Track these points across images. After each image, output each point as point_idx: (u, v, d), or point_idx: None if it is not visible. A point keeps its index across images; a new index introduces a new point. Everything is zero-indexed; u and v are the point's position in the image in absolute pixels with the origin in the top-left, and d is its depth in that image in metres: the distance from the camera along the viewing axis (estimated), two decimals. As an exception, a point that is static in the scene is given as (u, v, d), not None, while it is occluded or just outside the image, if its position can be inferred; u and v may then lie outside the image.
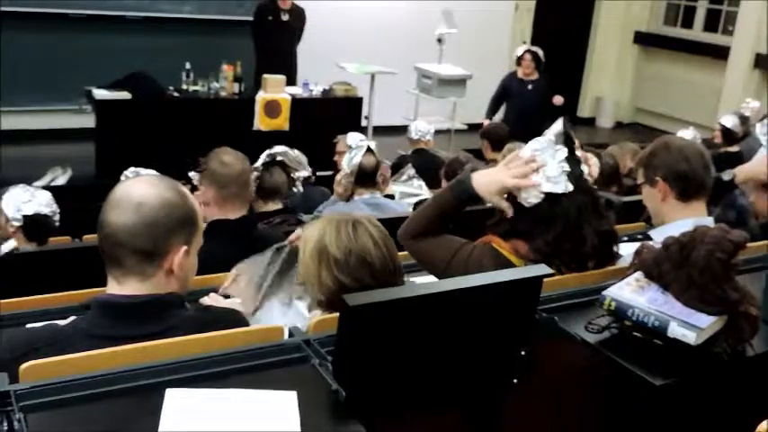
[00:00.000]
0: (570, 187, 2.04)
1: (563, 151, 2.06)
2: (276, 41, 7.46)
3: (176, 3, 7.93)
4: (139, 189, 1.64)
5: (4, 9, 7.11)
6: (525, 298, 1.64)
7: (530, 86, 7.59)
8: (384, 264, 1.82)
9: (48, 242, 3.53)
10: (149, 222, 1.60)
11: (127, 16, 7.68)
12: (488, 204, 2.17)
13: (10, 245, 3.61)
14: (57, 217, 3.58)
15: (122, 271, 1.63)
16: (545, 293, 1.74)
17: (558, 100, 7.55)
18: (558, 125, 2.10)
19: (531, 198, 2.05)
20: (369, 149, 4.00)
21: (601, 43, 11.05)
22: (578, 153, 2.12)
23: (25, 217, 3.46)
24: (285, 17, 7.49)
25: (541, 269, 1.65)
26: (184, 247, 1.66)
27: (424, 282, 2.01)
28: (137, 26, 7.74)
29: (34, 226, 3.49)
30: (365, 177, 3.95)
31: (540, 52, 7.67)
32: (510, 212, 2.08)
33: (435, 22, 8.05)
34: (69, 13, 7.39)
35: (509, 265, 2.02)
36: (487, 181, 2.09)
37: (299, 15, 7.71)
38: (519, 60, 7.69)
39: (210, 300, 2.07)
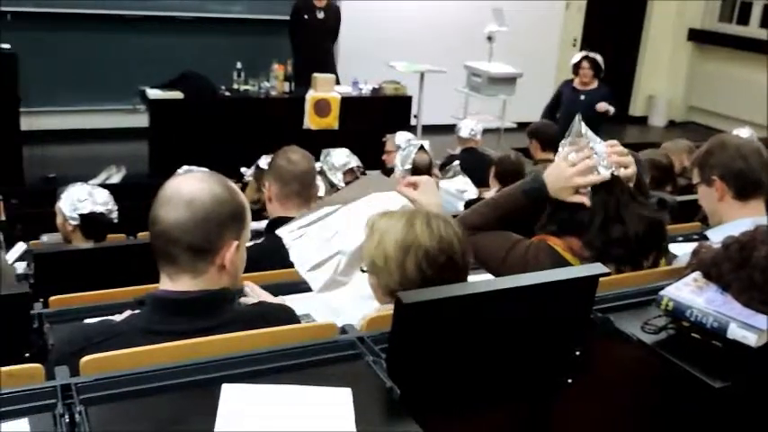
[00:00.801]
0: (608, 174, 2.05)
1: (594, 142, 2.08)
2: (313, 40, 7.49)
3: (226, 3, 8.02)
4: (190, 185, 1.65)
5: (61, 11, 7.28)
6: (581, 297, 1.63)
7: (582, 97, 6.92)
8: (464, 261, 1.82)
9: (105, 239, 3.60)
10: (201, 218, 1.61)
11: (179, 17, 7.80)
12: None
13: (54, 237, 3.70)
14: (114, 215, 3.64)
15: (175, 267, 1.64)
16: (601, 293, 1.72)
17: (601, 107, 6.80)
18: (576, 124, 2.11)
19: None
20: (422, 148, 4.03)
21: (653, 41, 10.87)
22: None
23: (81, 216, 3.53)
24: (321, 15, 7.52)
25: (597, 268, 1.63)
26: (235, 243, 1.67)
27: (480, 280, 1.99)
28: (189, 26, 7.86)
29: (91, 224, 3.56)
30: (419, 175, 3.98)
31: (599, 59, 7.02)
32: (588, 203, 2.07)
33: (485, 20, 7.99)
34: (124, 15, 7.53)
35: (565, 262, 2.01)
36: (560, 183, 2.09)
37: (334, 13, 7.73)
38: (576, 68, 7.05)
39: (249, 288, 2.08)
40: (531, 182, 2.16)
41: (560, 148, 2.15)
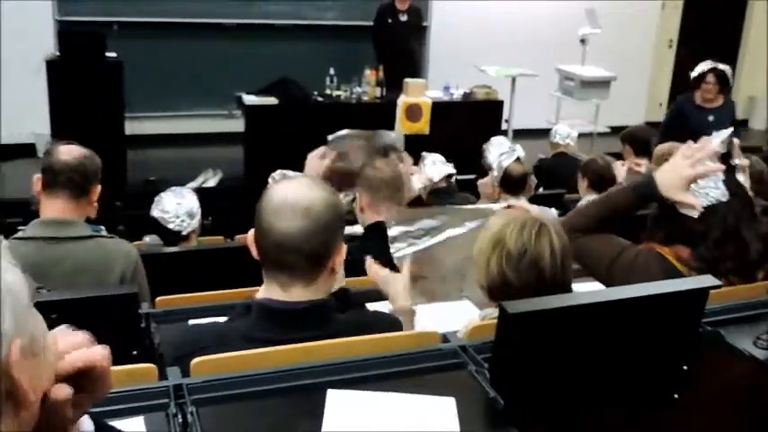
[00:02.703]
0: (726, 195, 1.99)
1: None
2: (398, 43, 7.53)
3: (321, 10, 8.13)
4: (302, 193, 1.65)
5: (163, 20, 7.55)
6: (690, 310, 1.58)
7: (711, 117, 5.94)
8: (554, 274, 1.80)
9: (175, 244, 3.61)
10: (321, 225, 1.62)
11: (275, 24, 7.96)
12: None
13: (155, 239, 3.80)
14: (185, 224, 3.59)
15: (290, 276, 1.65)
16: (711, 305, 1.67)
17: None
18: (723, 133, 2.04)
19: (690, 211, 2.01)
20: (518, 159, 4.05)
21: (755, 40, 10.46)
22: (737, 161, 2.05)
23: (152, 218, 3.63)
24: (404, 18, 7.53)
25: (708, 280, 1.58)
26: (344, 245, 1.71)
27: (585, 288, 1.97)
28: (284, 33, 8.01)
29: (158, 228, 3.64)
30: (510, 184, 3.96)
31: (729, 71, 6.05)
32: (698, 209, 2.01)
33: (577, 23, 7.86)
34: (222, 23, 7.74)
35: (675, 271, 1.97)
36: (671, 177, 2.04)
37: (417, 14, 7.74)
38: (698, 81, 6.02)
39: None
40: (642, 179, 2.14)
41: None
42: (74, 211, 2.75)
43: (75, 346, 0.86)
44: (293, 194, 1.65)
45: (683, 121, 6.08)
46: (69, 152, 2.76)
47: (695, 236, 2.00)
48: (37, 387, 0.78)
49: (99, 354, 0.87)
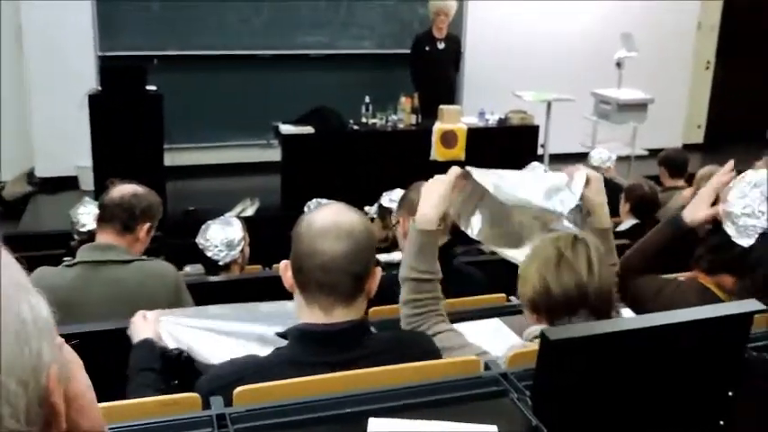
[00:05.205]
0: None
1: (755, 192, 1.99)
2: (435, 70, 7.54)
3: (356, 39, 8.22)
4: (343, 216, 1.72)
5: (200, 53, 7.70)
6: (734, 335, 1.56)
7: None
8: (592, 283, 1.82)
9: (217, 273, 3.65)
10: (362, 246, 1.70)
11: (310, 54, 8.06)
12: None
13: (197, 268, 3.85)
14: (223, 253, 3.63)
15: (333, 297, 1.70)
16: (756, 330, 1.64)
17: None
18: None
19: (739, 238, 1.98)
20: None
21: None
22: None
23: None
24: (441, 45, 7.56)
25: (752, 304, 1.56)
26: (379, 269, 1.77)
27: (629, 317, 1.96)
28: (319, 63, 8.10)
29: (201, 256, 3.69)
30: None
31: None
32: (721, 213, 2.01)
33: (613, 46, 7.84)
34: (258, 54, 7.86)
35: (716, 301, 1.94)
36: (693, 201, 2.08)
37: (455, 43, 7.77)
38: None
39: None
40: (674, 212, 2.14)
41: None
42: (120, 243, 2.89)
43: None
44: (336, 217, 1.72)
45: None
46: (120, 190, 2.96)
47: (735, 262, 1.98)
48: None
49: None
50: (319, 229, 1.70)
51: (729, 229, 1.98)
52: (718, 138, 10.06)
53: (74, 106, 6.49)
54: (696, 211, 2.04)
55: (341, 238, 1.68)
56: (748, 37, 10.09)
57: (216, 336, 2.17)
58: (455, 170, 2.16)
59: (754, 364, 1.65)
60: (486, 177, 2.16)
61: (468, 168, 2.15)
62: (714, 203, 2.05)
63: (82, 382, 0.85)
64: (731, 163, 2.08)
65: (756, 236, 1.97)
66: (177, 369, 2.09)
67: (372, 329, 1.85)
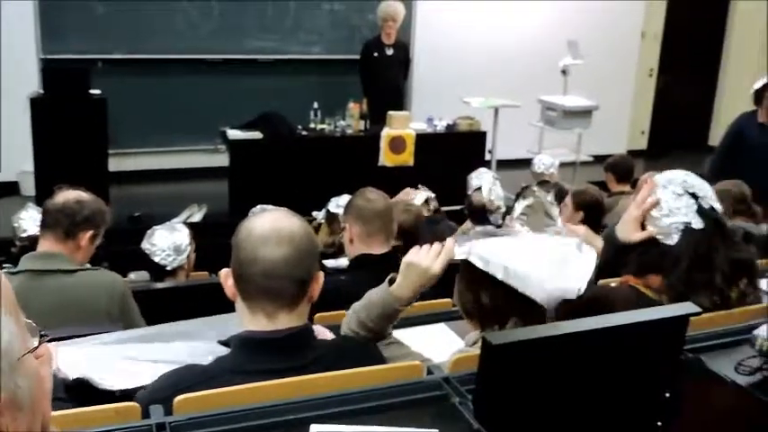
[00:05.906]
0: (700, 224, 2.04)
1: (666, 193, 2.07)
2: (384, 77, 7.57)
3: (304, 45, 8.19)
4: (283, 222, 1.72)
5: (146, 56, 7.58)
6: (670, 337, 1.59)
7: None
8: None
9: (162, 280, 3.63)
10: (304, 251, 1.70)
11: (259, 59, 8.01)
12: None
13: (141, 275, 3.80)
14: (171, 258, 3.61)
15: (277, 303, 1.69)
16: (691, 332, 1.68)
17: None
18: None
19: (665, 238, 2.04)
20: (479, 188, 4.28)
21: (734, 68, 10.62)
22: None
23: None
24: (390, 51, 7.60)
25: (687, 307, 1.59)
26: (322, 274, 1.76)
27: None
28: (268, 68, 8.05)
29: (144, 262, 3.65)
30: (474, 213, 4.26)
31: None
32: (654, 233, 2.07)
33: (559, 54, 7.97)
34: (206, 59, 7.79)
35: (648, 302, 1.99)
36: (623, 221, 2.14)
37: (403, 49, 7.81)
38: (758, 97, 5.17)
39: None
40: (609, 230, 2.21)
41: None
42: (61, 250, 2.82)
43: None
44: (276, 224, 1.71)
45: (743, 142, 5.21)
46: (65, 195, 2.92)
47: (661, 263, 2.04)
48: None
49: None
50: (259, 236, 1.69)
51: (654, 231, 2.06)
52: (661, 144, 10.29)
53: (15, 110, 6.35)
54: (628, 234, 2.10)
55: (282, 244, 1.67)
56: (690, 45, 10.34)
57: (122, 362, 2.10)
58: (448, 254, 1.89)
59: (689, 365, 1.68)
60: (492, 256, 1.99)
61: (471, 257, 1.94)
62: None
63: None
64: (647, 178, 2.16)
65: (679, 232, 2.03)
66: (84, 395, 2.00)
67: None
